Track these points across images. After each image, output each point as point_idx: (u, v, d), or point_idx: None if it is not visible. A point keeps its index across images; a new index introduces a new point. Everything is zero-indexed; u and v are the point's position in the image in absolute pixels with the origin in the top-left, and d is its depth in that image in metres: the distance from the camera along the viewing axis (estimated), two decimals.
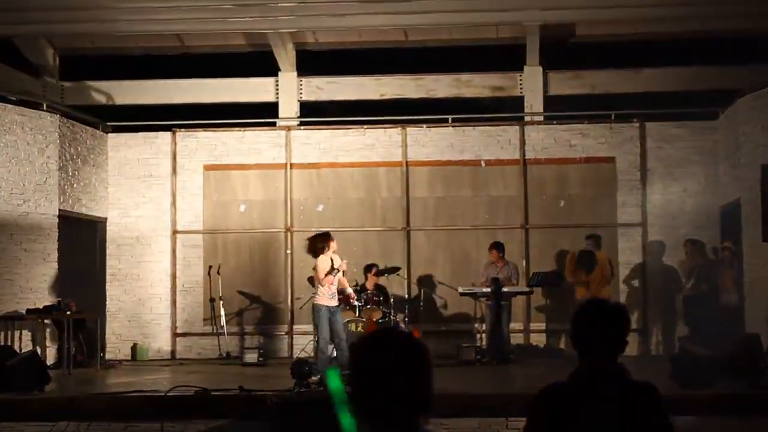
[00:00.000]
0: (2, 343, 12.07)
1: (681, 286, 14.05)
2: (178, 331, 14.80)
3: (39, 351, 12.38)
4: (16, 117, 13.06)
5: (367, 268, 13.47)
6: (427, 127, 14.88)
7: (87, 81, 16.02)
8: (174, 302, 14.80)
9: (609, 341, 3.49)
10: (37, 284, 13.05)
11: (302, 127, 15.30)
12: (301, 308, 14.22)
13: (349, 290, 11.52)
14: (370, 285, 13.31)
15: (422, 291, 14.39)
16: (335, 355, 10.81)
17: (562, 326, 13.73)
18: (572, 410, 3.38)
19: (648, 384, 3.52)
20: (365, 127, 14.99)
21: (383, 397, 2.55)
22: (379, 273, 13.50)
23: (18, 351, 11.54)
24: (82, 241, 14.40)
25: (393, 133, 14.91)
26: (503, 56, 15.71)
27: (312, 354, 13.40)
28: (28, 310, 12.43)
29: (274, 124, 15.49)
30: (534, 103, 15.27)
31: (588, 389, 3.43)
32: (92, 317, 13.37)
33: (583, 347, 3.53)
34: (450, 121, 14.96)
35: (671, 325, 14.26)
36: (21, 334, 12.69)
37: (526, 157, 14.68)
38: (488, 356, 12.70)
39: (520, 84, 15.51)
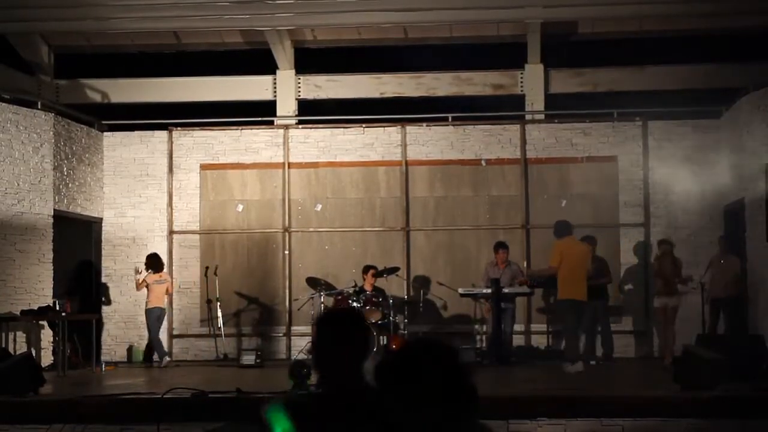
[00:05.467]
0: None
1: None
2: (175, 332, 14.68)
3: (34, 352, 12.28)
4: (11, 116, 12.94)
5: (365, 269, 13.34)
6: (427, 125, 14.75)
7: (82, 79, 15.91)
8: (170, 303, 14.66)
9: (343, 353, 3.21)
10: (32, 285, 12.91)
11: (300, 126, 15.18)
12: (299, 309, 14.12)
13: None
14: (368, 286, 13.19)
15: (422, 292, 14.23)
16: None
17: None
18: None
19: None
20: (364, 125, 14.86)
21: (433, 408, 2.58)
22: (379, 274, 13.38)
23: (12, 352, 11.43)
24: (78, 241, 14.25)
25: (392, 132, 14.78)
26: (504, 54, 15.60)
27: (309, 355, 13.30)
28: (23, 311, 12.33)
29: (271, 122, 15.37)
30: (535, 101, 15.14)
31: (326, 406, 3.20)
32: (87, 318, 13.24)
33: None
34: (450, 119, 14.84)
35: None
36: (15, 335, 12.59)
37: (527, 156, 14.55)
38: (489, 358, 12.60)
39: (521, 82, 15.38)
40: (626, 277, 14.27)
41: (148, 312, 13.49)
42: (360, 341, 3.19)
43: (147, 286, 13.49)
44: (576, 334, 12.01)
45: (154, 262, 13.63)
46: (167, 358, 13.44)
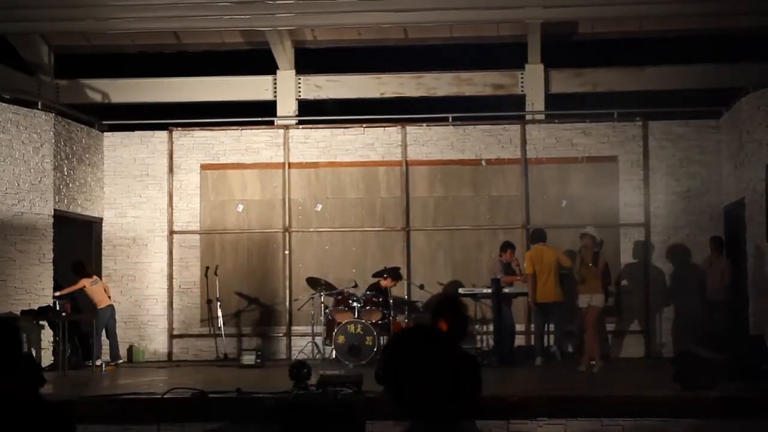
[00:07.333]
0: None
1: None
2: (175, 332, 14.68)
3: (34, 352, 12.27)
4: (11, 116, 12.94)
5: (393, 273, 13.34)
6: (427, 125, 14.75)
7: (82, 79, 15.91)
8: (171, 303, 14.68)
9: None
10: (32, 285, 12.91)
11: (300, 126, 15.17)
12: (299, 309, 14.12)
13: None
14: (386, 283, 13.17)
15: (422, 292, 14.21)
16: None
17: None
18: None
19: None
20: (364, 125, 14.86)
21: (426, 395, 2.55)
22: (378, 274, 13.37)
23: None
24: (78, 241, 14.25)
25: (392, 132, 14.78)
26: (504, 54, 15.57)
27: (310, 355, 13.33)
28: (23, 312, 12.32)
29: (272, 122, 15.36)
30: (535, 101, 15.14)
31: None
32: (88, 319, 13.24)
33: None
34: (450, 119, 14.84)
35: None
36: None
37: (528, 157, 14.55)
38: (489, 358, 12.63)
39: (522, 82, 15.38)
40: (626, 277, 14.27)
41: (101, 312, 13.32)
42: None
43: (84, 290, 13.27)
44: (542, 334, 13.11)
45: (80, 269, 13.36)
46: (120, 360, 13.62)
